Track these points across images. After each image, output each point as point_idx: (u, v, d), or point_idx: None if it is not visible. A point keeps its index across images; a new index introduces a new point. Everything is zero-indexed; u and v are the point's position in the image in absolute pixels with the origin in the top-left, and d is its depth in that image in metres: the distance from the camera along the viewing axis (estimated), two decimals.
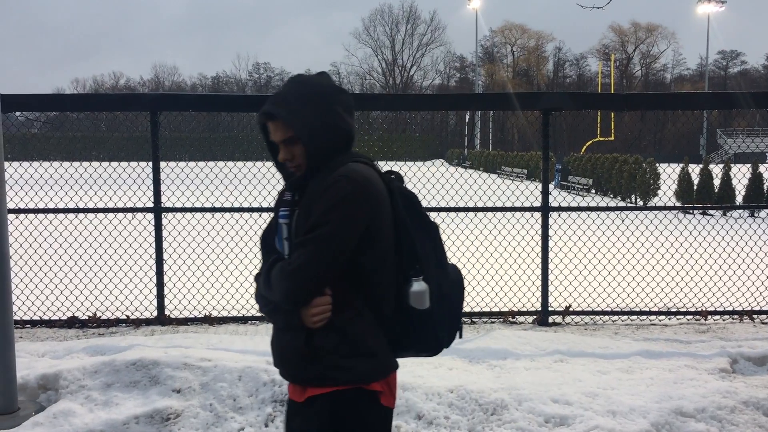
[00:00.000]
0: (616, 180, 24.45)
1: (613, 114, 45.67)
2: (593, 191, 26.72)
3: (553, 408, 4.05)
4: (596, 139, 47.80)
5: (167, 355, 4.68)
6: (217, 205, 7.03)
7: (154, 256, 6.58)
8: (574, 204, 7.47)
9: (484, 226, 9.24)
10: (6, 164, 4.29)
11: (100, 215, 7.24)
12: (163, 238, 6.53)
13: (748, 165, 18.80)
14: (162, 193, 6.55)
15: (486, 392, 4.21)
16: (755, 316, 6.68)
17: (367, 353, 2.13)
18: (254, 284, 2.28)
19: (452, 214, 8.39)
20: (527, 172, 35.17)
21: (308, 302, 2.07)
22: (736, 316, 6.70)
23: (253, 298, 2.23)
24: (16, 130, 7.08)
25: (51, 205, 7.17)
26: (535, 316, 6.63)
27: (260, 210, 6.67)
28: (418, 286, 2.13)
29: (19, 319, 6.40)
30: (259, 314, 6.59)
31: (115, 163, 9.34)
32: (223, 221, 9.80)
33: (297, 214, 2.15)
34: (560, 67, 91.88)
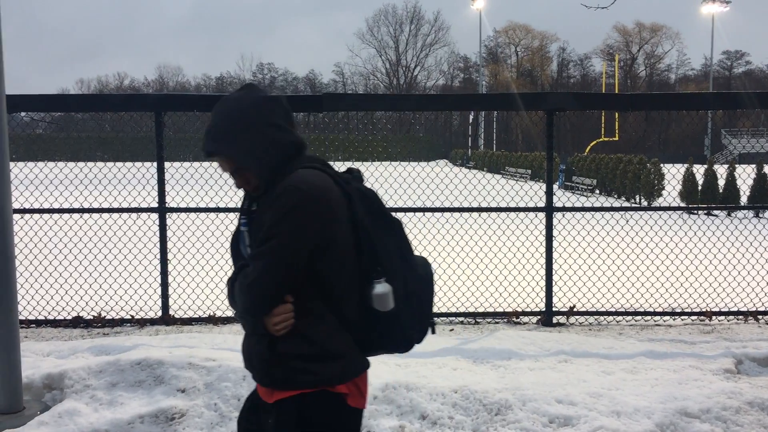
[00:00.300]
0: (621, 180, 24.41)
1: (617, 114, 45.58)
2: (597, 192, 26.68)
3: (558, 408, 4.04)
4: (600, 140, 47.72)
5: (172, 354, 4.69)
6: (222, 205, 7.04)
7: (158, 256, 6.60)
8: (578, 204, 7.46)
9: (488, 226, 9.24)
10: (11, 164, 4.31)
11: (105, 215, 7.27)
12: (168, 238, 6.55)
13: (753, 165, 18.76)
14: (167, 193, 6.56)
15: (490, 392, 4.20)
16: (760, 317, 6.66)
17: (330, 357, 2.12)
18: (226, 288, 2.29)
19: (456, 215, 8.40)
20: (531, 173, 35.16)
21: (268, 312, 2.08)
22: (740, 317, 6.68)
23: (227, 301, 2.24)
24: (21, 130, 7.10)
25: (56, 206, 7.18)
26: (539, 317, 6.62)
27: None
28: (380, 288, 2.13)
29: (24, 318, 6.41)
30: None
31: (119, 164, 9.37)
32: (227, 221, 9.81)
33: (254, 222, 2.16)
34: (564, 68, 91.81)
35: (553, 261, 6.55)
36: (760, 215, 17.33)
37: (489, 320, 6.65)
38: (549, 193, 6.52)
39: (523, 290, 7.48)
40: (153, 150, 6.43)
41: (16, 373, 4.17)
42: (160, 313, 6.61)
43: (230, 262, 2.29)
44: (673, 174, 21.03)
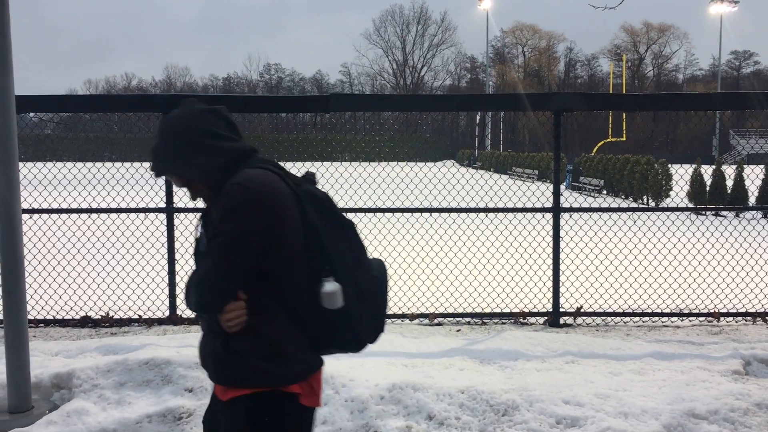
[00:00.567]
0: (628, 181, 24.35)
1: (624, 115, 45.47)
2: (604, 192, 26.61)
3: (565, 409, 4.04)
4: (608, 140, 47.60)
5: (179, 354, 4.71)
6: None
7: (166, 256, 6.62)
8: (585, 205, 7.44)
9: (495, 227, 9.23)
10: (20, 165, 4.33)
11: (113, 215, 7.30)
12: (176, 239, 6.57)
13: (762, 166, 18.67)
14: (174, 194, 6.59)
15: (497, 393, 4.20)
16: None
17: (283, 356, 2.14)
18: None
19: (463, 215, 8.39)
20: (538, 173, 35.10)
21: (220, 309, 2.10)
22: (749, 318, 6.65)
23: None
24: (30, 130, 7.13)
25: (64, 206, 7.22)
26: (546, 317, 6.61)
27: None
28: (329, 286, 2.15)
29: (32, 318, 6.44)
30: None
31: (127, 164, 9.39)
32: None
33: (208, 224, 2.20)
34: (571, 68, 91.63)
35: (560, 261, 6.54)
36: None
37: (496, 321, 6.64)
38: (556, 194, 6.51)
39: (530, 291, 7.47)
40: None
41: (25, 373, 4.19)
42: (167, 313, 6.63)
43: None
44: (681, 174, 20.95)
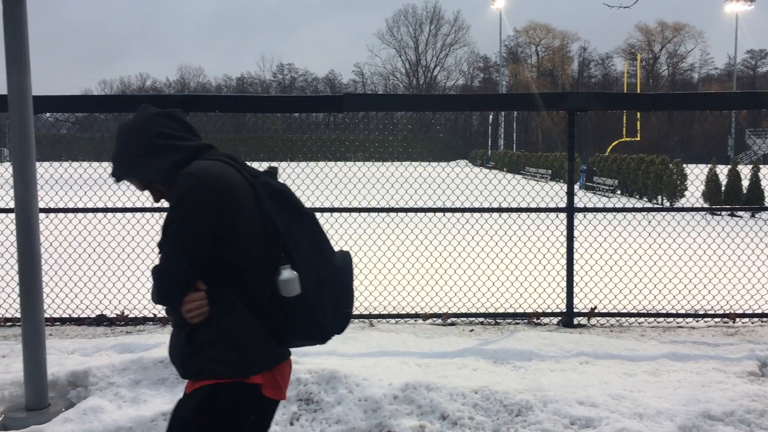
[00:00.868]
0: (642, 181, 24.20)
1: (639, 114, 45.20)
2: (618, 192, 26.47)
3: (579, 410, 4.02)
4: (622, 140, 47.33)
5: None
6: None
7: None
8: (599, 205, 7.40)
9: (508, 226, 9.21)
10: (36, 164, 4.37)
11: (128, 215, 7.34)
12: None
13: None
14: None
15: (511, 393, 4.19)
16: None
17: (244, 347, 2.15)
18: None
19: (476, 215, 8.37)
20: (551, 173, 34.96)
21: (180, 300, 2.13)
22: (765, 319, 6.59)
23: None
24: (46, 130, 7.19)
25: (80, 205, 7.28)
26: (559, 318, 6.59)
27: None
28: (285, 274, 2.15)
29: (48, 316, 6.50)
30: None
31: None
32: None
33: None
34: (585, 67, 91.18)
35: (574, 262, 6.52)
36: None
37: (509, 321, 6.62)
38: (570, 194, 6.48)
39: (544, 291, 7.45)
40: None
41: (42, 371, 4.23)
42: None
43: None
44: (696, 174, 20.80)
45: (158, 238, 2.21)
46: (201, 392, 2.16)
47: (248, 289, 2.17)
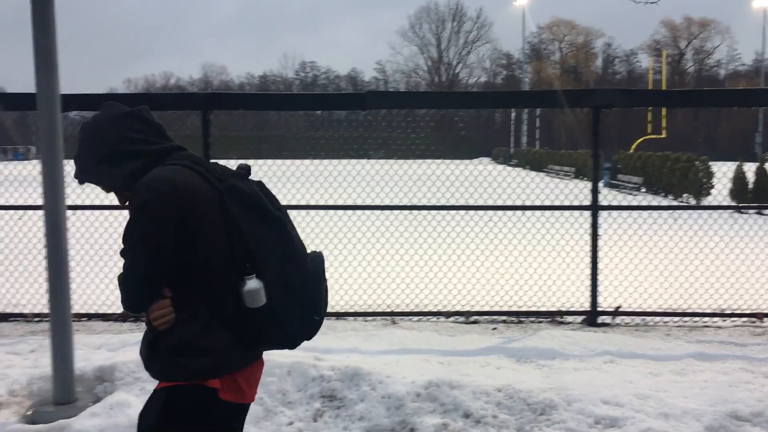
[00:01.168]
0: (668, 179, 23.92)
1: (664, 111, 44.64)
2: (643, 190, 26.18)
3: (604, 409, 3.99)
4: (647, 137, 46.79)
5: None
6: None
7: None
8: (624, 203, 7.33)
9: (532, 224, 9.15)
10: (64, 162, 4.42)
11: None
12: None
13: None
14: None
15: (534, 392, 4.17)
16: None
17: (202, 352, 2.13)
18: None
19: (500, 213, 8.34)
20: (575, 171, 34.68)
21: (146, 307, 2.14)
22: None
23: None
24: (73, 128, 7.29)
25: (107, 202, 7.34)
26: (583, 317, 6.54)
27: (307, 207, 6.73)
28: (250, 284, 2.12)
29: (75, 312, 6.59)
30: None
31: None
32: None
33: None
34: (609, 64, 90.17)
35: (599, 260, 6.46)
36: None
37: (532, 319, 6.59)
38: (594, 191, 6.43)
39: (567, 289, 7.39)
40: (199, 148, 6.51)
41: (69, 366, 4.28)
42: None
43: None
44: (724, 172, 20.51)
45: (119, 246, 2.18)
46: (163, 393, 2.20)
47: (213, 297, 2.15)
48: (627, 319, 6.58)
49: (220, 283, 2.15)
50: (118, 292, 2.20)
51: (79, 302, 6.97)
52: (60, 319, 4.28)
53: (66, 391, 4.24)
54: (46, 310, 5.16)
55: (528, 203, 7.23)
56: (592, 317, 6.44)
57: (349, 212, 8.23)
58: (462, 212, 7.14)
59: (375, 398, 4.15)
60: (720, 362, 4.91)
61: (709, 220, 8.06)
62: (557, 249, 8.52)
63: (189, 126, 7.49)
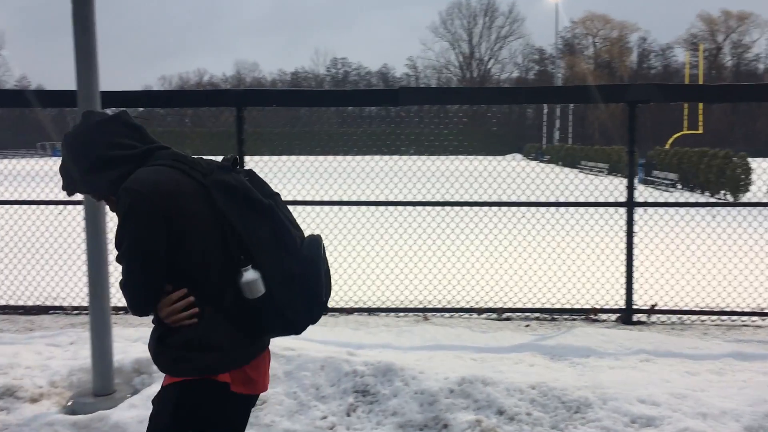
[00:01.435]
0: (704, 175, 23.49)
1: (701, 106, 43.84)
2: (679, 186, 25.76)
3: (640, 408, 3.94)
4: (683, 133, 45.99)
5: None
6: (299, 198, 7.17)
7: None
8: (660, 200, 7.22)
9: (566, 221, 9.07)
10: None
11: None
12: None
13: None
14: None
15: (569, 390, 4.14)
16: None
17: (209, 347, 2.15)
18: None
19: (533, 209, 8.28)
20: (609, 167, 34.24)
21: (152, 308, 2.15)
22: None
23: None
24: None
25: None
26: (618, 314, 6.46)
27: (339, 203, 6.76)
28: (247, 275, 2.12)
29: (114, 305, 6.70)
30: (338, 306, 6.70)
31: (196, 157, 9.64)
32: (304, 214, 9.99)
33: None
34: (645, 58, 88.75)
35: (634, 257, 6.38)
36: None
37: (566, 317, 6.54)
38: (630, 188, 6.35)
39: (602, 287, 7.31)
40: (233, 145, 6.57)
41: (108, 358, 4.37)
42: None
43: None
44: (765, 168, 20.07)
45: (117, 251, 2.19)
46: (174, 391, 2.22)
47: (212, 292, 2.16)
48: (663, 317, 6.49)
49: (218, 279, 2.16)
50: None
51: (117, 295, 7.07)
52: (99, 312, 4.37)
53: (105, 382, 4.33)
54: (85, 303, 5.27)
55: (562, 199, 7.15)
56: (627, 315, 6.37)
57: (382, 208, 8.24)
58: (495, 209, 7.10)
59: (408, 394, 4.16)
60: (759, 362, 4.81)
61: (748, 217, 7.91)
62: (591, 246, 8.43)
63: (223, 122, 7.56)
